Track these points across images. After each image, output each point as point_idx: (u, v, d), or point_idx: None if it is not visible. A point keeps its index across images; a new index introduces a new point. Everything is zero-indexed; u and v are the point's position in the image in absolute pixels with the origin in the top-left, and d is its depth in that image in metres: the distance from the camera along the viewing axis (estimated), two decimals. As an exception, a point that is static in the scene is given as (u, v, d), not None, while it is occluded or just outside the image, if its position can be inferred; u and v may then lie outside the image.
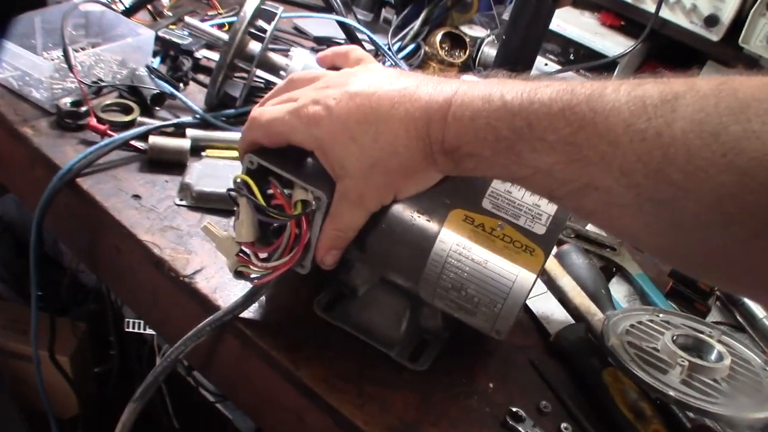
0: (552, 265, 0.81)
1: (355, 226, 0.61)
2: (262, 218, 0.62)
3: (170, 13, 1.22)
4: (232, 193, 0.62)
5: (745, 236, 0.41)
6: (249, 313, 0.70)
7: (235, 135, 0.92)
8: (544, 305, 0.79)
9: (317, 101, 0.58)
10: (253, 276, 0.64)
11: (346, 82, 0.59)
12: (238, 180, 0.62)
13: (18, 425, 1.23)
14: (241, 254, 0.64)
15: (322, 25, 1.25)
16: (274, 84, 0.96)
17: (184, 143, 0.87)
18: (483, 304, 0.62)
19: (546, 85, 0.50)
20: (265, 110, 0.62)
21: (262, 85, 1.04)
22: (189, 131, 0.90)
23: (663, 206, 0.44)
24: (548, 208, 0.61)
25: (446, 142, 0.54)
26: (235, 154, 0.90)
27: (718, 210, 0.41)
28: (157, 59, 1.06)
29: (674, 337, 0.71)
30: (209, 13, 1.24)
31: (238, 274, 0.65)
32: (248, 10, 0.90)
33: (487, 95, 0.52)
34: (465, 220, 0.61)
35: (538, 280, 0.79)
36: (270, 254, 0.63)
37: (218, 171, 0.85)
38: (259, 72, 0.98)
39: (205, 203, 0.81)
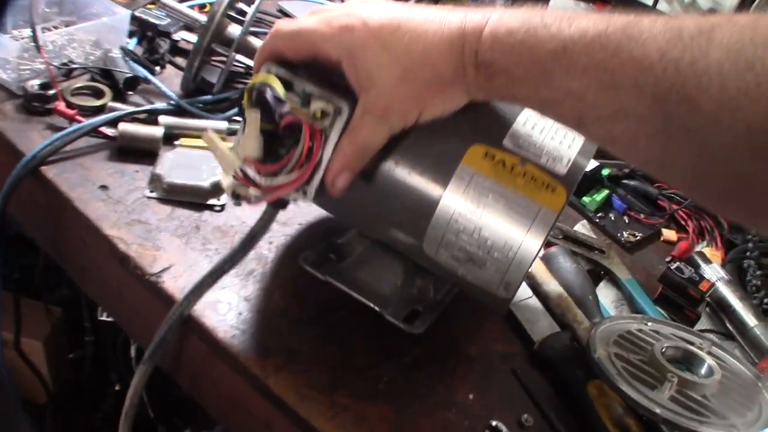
0: (538, 268, 0.78)
1: (375, 143, 0.58)
2: (278, 117, 0.58)
3: (150, -8, 1.17)
4: (243, 103, 0.59)
5: None
6: (217, 314, 0.66)
7: (211, 123, 0.88)
8: (529, 311, 0.75)
9: (350, 14, 0.57)
10: (252, 197, 0.59)
11: (376, 4, 0.58)
12: (255, 85, 0.58)
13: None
14: (240, 173, 0.58)
15: (308, 7, 1.21)
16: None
17: (157, 131, 0.83)
18: (496, 248, 0.58)
19: (584, 14, 0.50)
20: (291, 21, 0.59)
21: (242, 71, 1.00)
22: (162, 118, 0.86)
23: (693, 135, 0.44)
24: (569, 151, 0.60)
25: (480, 55, 0.53)
26: (211, 143, 0.85)
27: (748, 142, 0.42)
28: (134, 40, 1.02)
29: (663, 350, 0.68)
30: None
31: (236, 197, 0.60)
32: (227, -9, 0.85)
33: (526, 17, 0.52)
34: (485, 156, 0.59)
35: (524, 284, 0.78)
36: (274, 173, 0.58)
37: (192, 161, 0.81)
38: (240, 57, 0.93)
39: (176, 196, 0.77)
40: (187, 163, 0.80)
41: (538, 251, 0.57)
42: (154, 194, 0.78)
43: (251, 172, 0.58)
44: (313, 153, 0.57)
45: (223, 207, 0.78)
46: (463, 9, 0.56)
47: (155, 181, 0.78)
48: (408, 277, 0.67)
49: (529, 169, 0.58)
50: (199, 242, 0.74)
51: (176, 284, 0.68)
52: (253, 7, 0.88)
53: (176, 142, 0.85)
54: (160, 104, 0.89)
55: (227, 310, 0.67)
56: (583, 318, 0.73)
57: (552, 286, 0.76)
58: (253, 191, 0.59)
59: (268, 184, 0.58)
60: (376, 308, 0.64)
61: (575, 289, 0.77)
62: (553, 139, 0.60)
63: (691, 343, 0.71)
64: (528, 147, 0.59)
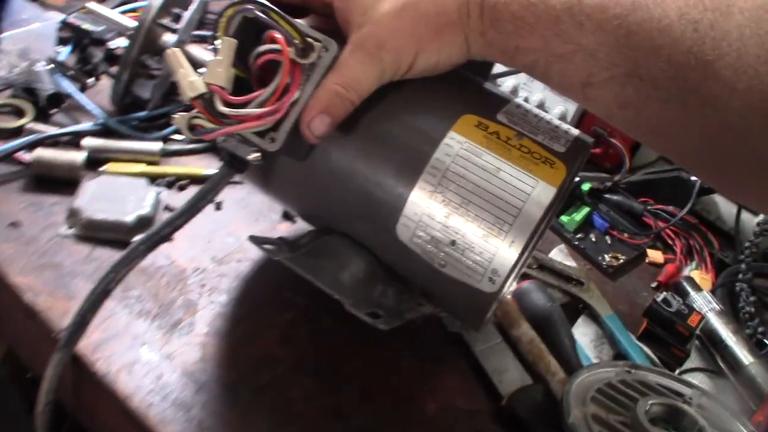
0: (508, 307, 0.70)
1: (363, 84, 0.51)
2: (252, 60, 0.51)
3: (89, -8, 1.07)
4: (217, 33, 0.51)
5: None
6: (133, 379, 0.57)
7: (142, 145, 0.78)
8: (497, 358, 0.67)
9: None
10: (210, 129, 0.50)
11: None
12: (233, 12, 0.51)
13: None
14: (201, 100, 0.50)
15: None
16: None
17: (77, 157, 0.73)
18: (486, 226, 0.51)
19: None
20: None
21: (185, 81, 0.90)
22: (86, 141, 0.76)
23: (707, 102, 0.43)
24: (567, 135, 0.55)
25: None
26: (142, 168, 0.76)
27: (763, 112, 0.41)
28: (67, 49, 0.92)
29: (648, 408, 0.59)
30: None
31: (191, 129, 0.51)
32: (157, -3, 0.76)
33: None
34: (478, 126, 0.53)
35: (492, 327, 0.69)
36: (241, 105, 0.50)
37: (117, 191, 0.72)
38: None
39: (96, 233, 0.68)
40: (112, 194, 0.71)
41: (534, 234, 0.51)
42: (71, 231, 0.68)
43: (216, 97, 0.50)
44: (290, 90, 0.50)
45: (150, 244, 0.69)
46: None
47: (73, 216, 0.69)
48: (370, 275, 0.57)
49: (525, 143, 0.53)
50: (119, 289, 0.64)
51: (88, 341, 0.59)
52: (189, 11, 0.79)
53: (102, 168, 0.75)
54: (86, 124, 0.79)
55: (145, 373, 0.58)
56: (557, 368, 0.65)
57: (523, 328, 0.68)
58: (212, 124, 0.50)
59: (231, 113, 0.49)
60: (336, 295, 0.54)
61: (549, 331, 0.68)
62: (550, 122, 0.56)
63: (680, 395, 0.63)
64: (523, 125, 0.54)
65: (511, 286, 0.69)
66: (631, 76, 0.45)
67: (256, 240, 0.60)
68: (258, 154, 0.52)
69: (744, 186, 0.48)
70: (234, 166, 0.54)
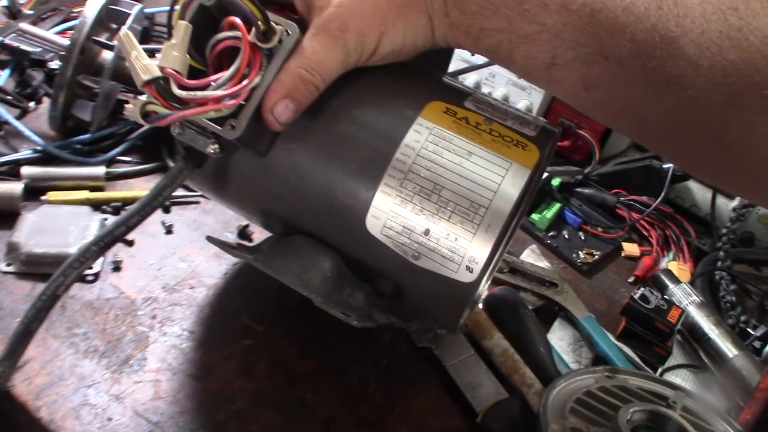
0: (479, 317, 0.66)
1: (327, 68, 0.49)
2: (209, 50, 0.48)
3: (30, 12, 1.03)
4: (172, 20, 0.48)
5: (751, 118, 0.40)
6: (80, 424, 0.53)
7: (85, 170, 0.74)
8: (470, 372, 0.63)
9: None
10: (165, 115, 0.46)
11: None
12: None
13: None
14: (154, 85, 0.45)
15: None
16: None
17: (15, 188, 0.69)
18: (460, 211, 0.49)
19: None
20: None
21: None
22: (25, 169, 0.72)
23: (672, 80, 0.42)
24: (536, 120, 0.54)
25: None
26: (86, 195, 0.72)
27: (725, 88, 0.40)
28: (6, 72, 0.87)
29: (629, 416, 0.56)
30: (77, 10, 1.04)
31: (145, 116, 0.47)
32: (89, 12, 0.72)
33: None
34: (446, 112, 0.52)
35: (465, 340, 0.66)
36: (199, 89, 0.46)
37: (59, 222, 0.67)
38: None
39: (37, 268, 0.64)
40: (53, 225, 0.67)
41: (511, 219, 0.49)
42: (11, 268, 0.64)
43: (170, 84, 0.46)
44: (250, 74, 0.47)
45: (96, 276, 0.65)
46: None
47: (12, 251, 0.65)
48: (338, 275, 0.54)
49: (495, 127, 0.52)
50: (64, 327, 0.61)
51: (29, 388, 0.55)
52: (125, 27, 0.74)
53: (43, 197, 0.71)
54: (24, 152, 0.75)
55: (93, 417, 0.54)
56: (533, 379, 0.61)
57: (495, 339, 0.64)
58: (165, 110, 0.46)
59: (189, 96, 0.46)
60: (304, 292, 0.51)
61: (524, 340, 0.65)
62: (517, 110, 0.54)
63: (663, 398, 0.60)
64: (492, 111, 0.53)
65: (487, 282, 0.66)
66: (596, 55, 0.44)
67: (216, 240, 0.57)
68: (216, 146, 0.49)
69: (714, 168, 0.46)
70: (191, 160, 0.51)
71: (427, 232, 0.49)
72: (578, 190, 0.93)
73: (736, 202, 0.91)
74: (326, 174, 0.51)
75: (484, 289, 0.66)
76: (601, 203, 0.92)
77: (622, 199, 0.92)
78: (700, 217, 0.94)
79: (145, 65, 0.45)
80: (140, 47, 0.46)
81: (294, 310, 0.66)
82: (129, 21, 0.75)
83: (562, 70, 0.47)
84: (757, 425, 0.60)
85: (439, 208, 0.49)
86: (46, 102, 0.86)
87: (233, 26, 0.47)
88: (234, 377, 0.59)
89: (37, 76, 0.87)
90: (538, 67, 0.48)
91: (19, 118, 0.80)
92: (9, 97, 0.84)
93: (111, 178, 0.76)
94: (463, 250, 0.49)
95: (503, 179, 0.49)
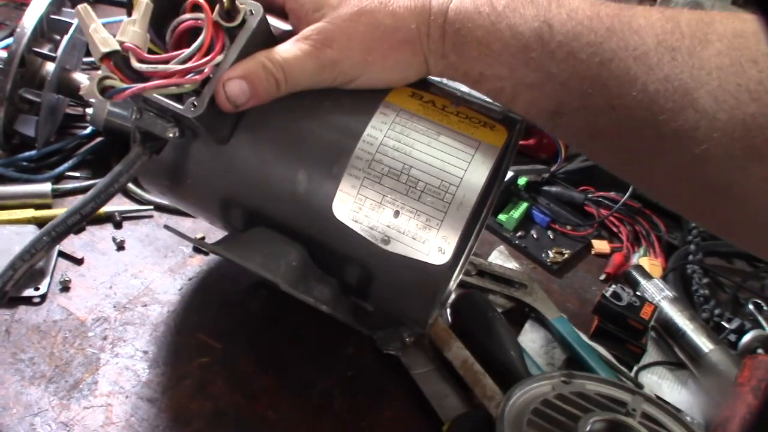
0: (437, 327, 0.63)
1: (295, 72, 0.47)
2: (170, 34, 0.47)
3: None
4: None
5: None
6: None
7: (30, 188, 0.71)
8: (436, 383, 0.61)
9: None
10: (123, 89, 0.44)
11: None
12: None
13: None
14: (112, 60, 0.43)
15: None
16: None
17: (-46, 209, 0.66)
18: (430, 191, 0.47)
19: None
20: None
21: (80, 112, 0.83)
22: (-34, 189, 0.69)
23: (686, 132, 0.41)
24: (500, 106, 0.52)
25: (449, 17, 0.47)
26: (31, 213, 0.69)
27: (743, 142, 0.39)
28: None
29: (589, 428, 0.53)
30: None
31: (102, 91, 0.44)
32: (27, 21, 0.68)
33: None
34: (412, 96, 0.51)
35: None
36: (159, 63, 0.45)
37: (1, 243, 0.64)
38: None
39: (-22, 292, 0.60)
40: (-5, 246, 0.64)
41: (482, 199, 0.48)
42: (-50, 294, 0.61)
43: (130, 58, 0.44)
44: (212, 53, 0.45)
45: (43, 297, 0.62)
46: None
47: (-49, 275, 0.61)
48: (305, 267, 0.52)
49: (462, 110, 0.51)
50: (9, 352, 0.57)
51: (-25, 421, 0.52)
52: (66, 37, 0.71)
53: (-15, 218, 0.68)
54: (-35, 171, 0.72)
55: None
56: (494, 390, 0.59)
57: (454, 350, 0.62)
58: (124, 83, 0.44)
59: (149, 70, 0.44)
60: (270, 276, 0.48)
61: (493, 345, 0.63)
62: (481, 98, 0.52)
63: (622, 404, 0.57)
64: (458, 98, 0.52)
65: (459, 274, 0.64)
66: (604, 105, 0.43)
67: (175, 231, 0.55)
68: (176, 130, 0.47)
69: (721, 219, 0.45)
70: (148, 145, 0.49)
71: (396, 214, 0.48)
72: (545, 188, 0.91)
73: (704, 195, 0.90)
74: (290, 158, 0.50)
75: (453, 286, 0.64)
76: (569, 201, 0.90)
77: (590, 196, 0.90)
78: (668, 211, 0.93)
79: (103, 38, 0.43)
80: (98, 20, 0.44)
81: (251, 326, 0.63)
82: (71, 30, 0.72)
83: (567, 118, 0.46)
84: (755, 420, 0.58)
85: (409, 188, 0.48)
86: (-9, 119, 0.82)
87: (196, 7, 0.46)
88: (190, 397, 0.56)
89: (-20, 92, 0.83)
90: (542, 114, 0.47)
91: (-39, 136, 0.77)
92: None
93: (58, 195, 0.72)
94: (434, 230, 0.47)
95: (472, 158, 0.48)
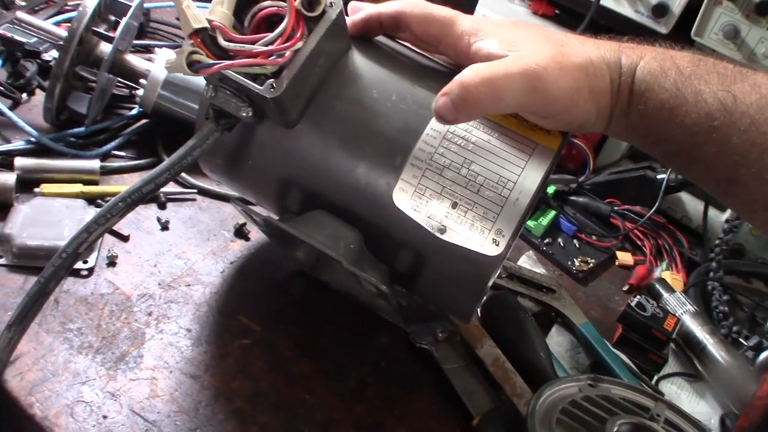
0: (470, 326, 0.65)
1: (504, 98, 0.47)
2: (249, 20, 0.50)
3: (24, 2, 1.01)
4: None
5: None
6: (74, 422, 0.52)
7: (80, 163, 0.72)
8: (466, 378, 0.63)
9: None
10: (207, 64, 0.47)
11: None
12: None
13: None
14: (200, 36, 0.47)
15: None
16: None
17: (8, 179, 0.67)
18: (489, 185, 0.50)
19: (752, 71, 0.48)
20: None
21: (126, 93, 0.85)
22: (19, 160, 0.70)
23: None
24: None
25: (638, 78, 0.49)
26: (80, 188, 0.71)
27: None
28: (-2, 62, 0.85)
29: (616, 429, 0.55)
30: (71, 3, 1.03)
31: (190, 65, 0.47)
32: (89, 2, 0.70)
33: (695, 57, 0.49)
34: None
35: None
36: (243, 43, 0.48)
37: (52, 215, 0.66)
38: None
39: (30, 261, 0.62)
40: (47, 218, 0.65)
41: (536, 193, 0.50)
42: (2, 261, 0.63)
43: (217, 36, 0.47)
44: (293, 39, 0.48)
45: (91, 271, 0.64)
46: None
47: (4, 243, 0.63)
48: (360, 251, 0.54)
49: (519, 116, 0.52)
50: (57, 321, 0.59)
51: (22, 383, 0.54)
52: (125, 19, 0.73)
53: (36, 190, 0.69)
54: (17, 143, 0.73)
55: (88, 415, 0.53)
56: (524, 388, 0.61)
57: (486, 348, 0.64)
58: (210, 59, 0.47)
59: (236, 48, 0.47)
60: (333, 254, 0.50)
61: (523, 345, 0.65)
62: None
63: (646, 409, 0.59)
64: None
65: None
66: None
67: (244, 206, 0.57)
68: (250, 110, 0.50)
69: None
70: (222, 123, 0.51)
71: (454, 205, 0.50)
72: (572, 198, 0.93)
73: (727, 214, 0.92)
74: (355, 147, 0.52)
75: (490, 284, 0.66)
76: (595, 212, 0.92)
77: (616, 208, 0.92)
78: (691, 229, 0.95)
79: (195, 15, 0.46)
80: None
81: (290, 311, 0.65)
82: (129, 13, 0.74)
83: (742, 188, 0.47)
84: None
85: (468, 181, 0.50)
86: (38, 94, 0.84)
87: None
88: (232, 376, 0.58)
89: (30, 67, 0.85)
90: (717, 182, 0.49)
91: (11, 109, 0.78)
92: (1, 88, 0.82)
93: (105, 172, 0.74)
94: (491, 222, 0.49)
95: (530, 157, 0.50)
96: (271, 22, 0.49)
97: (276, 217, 0.57)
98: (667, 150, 0.50)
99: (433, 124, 0.51)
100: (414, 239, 0.51)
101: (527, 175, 0.50)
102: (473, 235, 0.50)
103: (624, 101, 0.49)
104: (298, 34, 0.48)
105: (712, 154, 0.47)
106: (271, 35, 0.47)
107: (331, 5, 0.49)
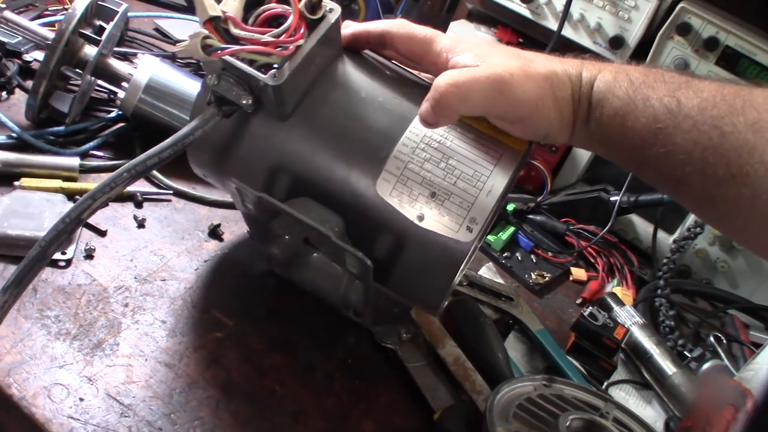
0: (433, 327, 0.69)
1: (472, 97, 0.53)
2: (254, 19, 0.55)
3: (2, 4, 1.02)
4: None
5: None
6: (51, 402, 0.53)
7: (60, 160, 0.74)
8: (429, 376, 0.66)
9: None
10: (219, 47, 0.52)
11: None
12: None
13: None
14: (212, 23, 0.52)
15: (186, 26, 1.08)
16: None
17: (-11, 171, 0.69)
18: (465, 178, 0.56)
19: (698, 79, 0.52)
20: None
21: (105, 95, 0.87)
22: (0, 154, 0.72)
23: None
24: None
25: (597, 88, 0.54)
26: (59, 184, 0.72)
27: None
28: (-23, 61, 0.87)
29: (568, 423, 0.59)
30: (52, 8, 1.05)
31: (204, 48, 0.52)
32: (79, 4, 0.73)
33: (646, 71, 0.54)
34: None
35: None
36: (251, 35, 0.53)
37: (32, 207, 0.68)
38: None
39: (10, 250, 0.64)
40: (27, 210, 0.67)
41: (506, 188, 0.56)
42: (-19, 249, 0.64)
43: (229, 24, 0.52)
44: (297, 35, 0.54)
45: (69, 262, 0.66)
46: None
47: (-16, 232, 0.65)
48: (342, 234, 0.58)
49: (490, 121, 0.58)
50: (36, 308, 0.61)
51: (0, 365, 0.55)
52: (111, 24, 0.76)
53: (16, 183, 0.71)
54: (-1, 137, 0.75)
55: (65, 397, 0.55)
56: (483, 386, 0.64)
57: (448, 348, 0.67)
58: (221, 44, 0.52)
59: (246, 36, 0.52)
60: (322, 228, 0.54)
61: (483, 346, 0.68)
62: None
63: (596, 408, 0.63)
64: None
65: (464, 271, 0.70)
66: (725, 174, 0.48)
67: (236, 181, 0.60)
68: (250, 99, 0.54)
69: None
70: (224, 109, 0.55)
71: (433, 195, 0.55)
72: (531, 216, 0.98)
73: (675, 236, 0.98)
74: (343, 140, 0.57)
75: (457, 281, 0.70)
76: (551, 230, 0.97)
77: (571, 227, 0.97)
78: (641, 249, 1.01)
79: (211, 3, 0.51)
80: None
81: (262, 309, 0.68)
82: (116, 18, 0.76)
83: (688, 186, 0.51)
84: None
85: (446, 174, 0.55)
86: (17, 93, 0.86)
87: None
88: (205, 367, 0.61)
89: (11, 66, 0.87)
90: (666, 181, 0.53)
91: (-10, 106, 0.80)
92: (-21, 86, 0.83)
93: (84, 171, 0.76)
94: (465, 211, 0.55)
95: (501, 156, 0.57)
96: (275, 23, 0.54)
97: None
98: (624, 156, 0.55)
99: (415, 124, 0.56)
100: (394, 225, 0.56)
101: (499, 172, 0.56)
102: (449, 222, 0.55)
103: (584, 111, 0.54)
104: (301, 33, 0.53)
105: (661, 155, 0.51)
106: (277, 30, 0.52)
107: (331, 11, 0.55)
